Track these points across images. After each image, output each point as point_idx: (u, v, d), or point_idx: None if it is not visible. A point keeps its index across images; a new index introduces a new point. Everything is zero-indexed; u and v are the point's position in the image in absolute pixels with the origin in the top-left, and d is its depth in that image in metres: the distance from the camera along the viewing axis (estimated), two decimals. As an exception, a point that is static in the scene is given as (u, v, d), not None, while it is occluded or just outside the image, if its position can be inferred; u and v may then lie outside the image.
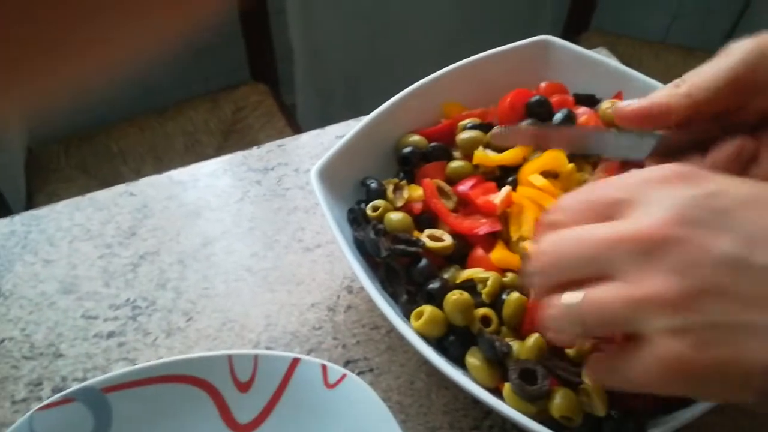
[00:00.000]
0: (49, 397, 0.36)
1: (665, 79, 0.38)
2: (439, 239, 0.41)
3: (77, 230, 0.48)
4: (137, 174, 1.05)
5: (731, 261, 0.23)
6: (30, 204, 0.93)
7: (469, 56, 0.49)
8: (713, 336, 0.23)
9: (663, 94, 0.33)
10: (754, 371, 0.22)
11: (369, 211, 0.42)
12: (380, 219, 0.42)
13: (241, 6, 1.20)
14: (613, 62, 0.51)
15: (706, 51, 0.37)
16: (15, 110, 0.15)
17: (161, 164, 1.09)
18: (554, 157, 0.42)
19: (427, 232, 0.41)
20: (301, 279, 0.46)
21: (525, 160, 0.43)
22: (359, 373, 0.41)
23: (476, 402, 0.40)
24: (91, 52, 0.14)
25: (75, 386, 0.35)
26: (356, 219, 0.42)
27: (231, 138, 1.06)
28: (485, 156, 0.43)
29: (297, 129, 1.18)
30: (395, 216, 0.41)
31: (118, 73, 0.15)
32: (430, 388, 0.41)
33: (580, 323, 0.26)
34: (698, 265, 0.23)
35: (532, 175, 0.42)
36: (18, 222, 0.49)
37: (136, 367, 0.36)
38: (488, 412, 0.40)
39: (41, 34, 0.12)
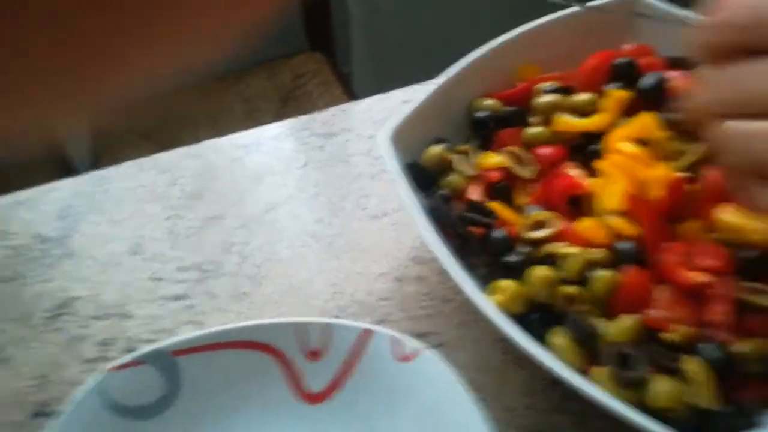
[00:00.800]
0: (118, 358, 0.35)
1: None
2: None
3: (142, 191, 0.48)
4: (196, 140, 1.06)
5: None
6: (95, 167, 0.95)
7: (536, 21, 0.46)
8: None
9: None
10: None
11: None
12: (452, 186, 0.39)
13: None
14: (711, 22, 0.46)
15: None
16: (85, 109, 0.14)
17: (220, 131, 1.09)
18: (645, 123, 0.39)
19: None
20: (367, 247, 0.45)
21: (611, 125, 0.40)
22: (430, 348, 0.39)
23: (556, 383, 0.38)
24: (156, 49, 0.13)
25: (146, 348, 0.34)
26: (421, 179, 0.39)
27: (289, 105, 1.05)
28: (567, 121, 0.40)
29: (353, 97, 1.17)
30: (452, 178, 0.39)
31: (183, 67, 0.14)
32: (507, 366, 0.39)
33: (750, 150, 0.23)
34: None
35: (620, 142, 0.39)
36: (83, 182, 0.48)
37: (207, 331, 0.35)
38: (567, 395, 0.38)
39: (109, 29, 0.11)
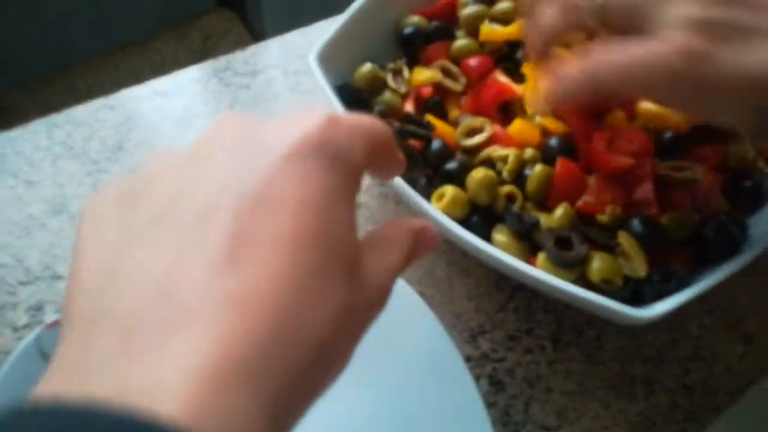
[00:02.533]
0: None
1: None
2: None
3: (58, 148, 0.45)
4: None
5: None
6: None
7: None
8: (728, 33, 0.24)
9: None
10: (757, 79, 0.23)
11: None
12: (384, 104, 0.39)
13: None
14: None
15: None
16: None
17: (132, 101, 1.03)
18: None
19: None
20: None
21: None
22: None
23: (499, 286, 0.39)
24: None
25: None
26: (353, 100, 0.39)
27: (203, 66, 1.02)
28: (492, 31, 0.41)
29: (271, 54, 1.13)
30: (386, 96, 0.39)
31: None
32: (451, 276, 0.40)
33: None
34: None
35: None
36: (-9, 145, 0.45)
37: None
38: (512, 294, 0.39)
39: None
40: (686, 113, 0.34)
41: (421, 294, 0.39)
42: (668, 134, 0.36)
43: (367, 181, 0.43)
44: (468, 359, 0.37)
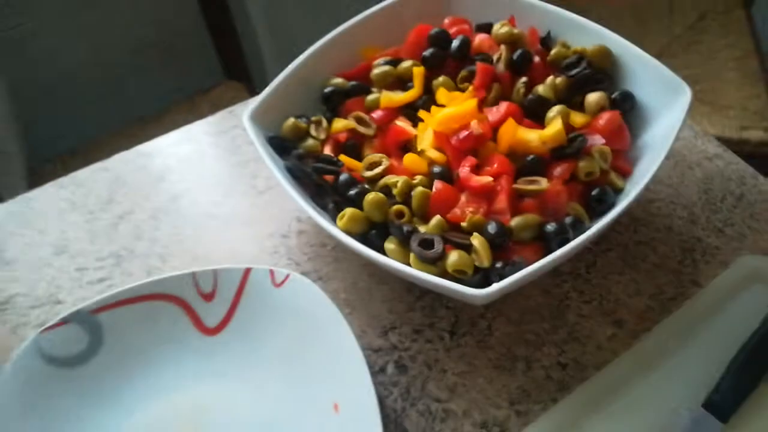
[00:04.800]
0: (50, 327, 0.43)
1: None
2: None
3: (63, 204, 0.56)
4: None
5: None
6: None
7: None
8: None
9: None
10: None
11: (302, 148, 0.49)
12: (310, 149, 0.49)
13: (206, 18, 1.28)
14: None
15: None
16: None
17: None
18: (442, 93, 0.49)
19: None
20: (257, 217, 0.54)
21: (420, 94, 0.50)
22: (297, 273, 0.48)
23: (409, 290, 0.48)
24: None
25: (70, 310, 0.43)
26: (280, 147, 0.49)
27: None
28: (390, 98, 0.50)
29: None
30: (307, 143, 0.48)
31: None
32: (371, 285, 0.48)
33: None
34: None
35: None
36: (13, 204, 0.56)
37: (116, 290, 0.43)
38: (419, 297, 0.47)
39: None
40: None
41: (346, 300, 0.48)
42: (530, 157, 0.45)
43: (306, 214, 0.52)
44: (378, 350, 0.45)
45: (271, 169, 0.46)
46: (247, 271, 0.44)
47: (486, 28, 0.55)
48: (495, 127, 0.46)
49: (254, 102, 0.49)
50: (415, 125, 0.50)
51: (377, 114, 0.50)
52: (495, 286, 0.37)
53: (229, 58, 1.35)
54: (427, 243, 0.40)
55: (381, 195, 0.44)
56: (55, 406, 0.40)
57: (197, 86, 1.27)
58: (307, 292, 0.43)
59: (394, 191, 0.45)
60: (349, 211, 0.44)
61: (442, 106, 0.49)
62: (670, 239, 0.50)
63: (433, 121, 0.46)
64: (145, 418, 0.41)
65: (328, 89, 0.52)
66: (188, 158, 0.59)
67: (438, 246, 0.39)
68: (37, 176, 1.11)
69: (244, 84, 1.35)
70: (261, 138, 0.48)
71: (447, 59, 0.52)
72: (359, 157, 0.50)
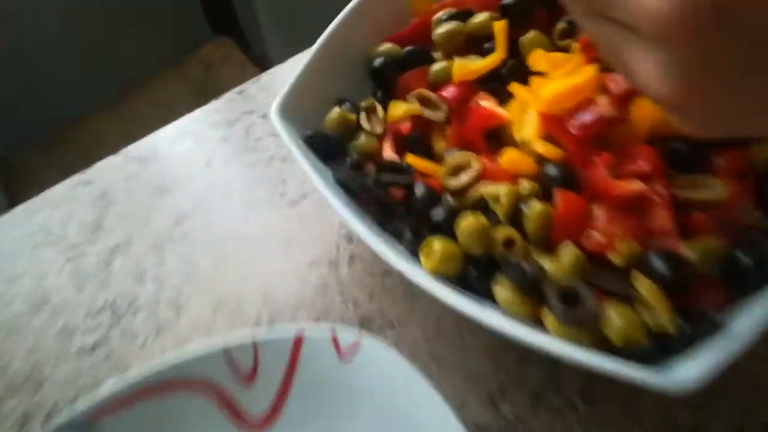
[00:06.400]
0: (35, 432, 0.31)
1: None
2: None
3: (37, 236, 0.43)
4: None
5: None
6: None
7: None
8: None
9: None
10: None
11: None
12: (360, 150, 0.35)
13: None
14: None
15: None
16: None
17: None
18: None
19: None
20: (293, 237, 0.41)
21: (506, 58, 0.36)
22: (379, 331, 0.36)
23: (517, 334, 0.35)
24: None
25: (58, 420, 0.30)
26: (325, 149, 0.35)
27: (202, 97, 0.99)
28: (464, 66, 0.36)
29: (273, 75, 1.10)
30: (360, 141, 0.35)
31: None
32: (461, 329, 0.36)
33: None
34: None
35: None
36: (-29, 242, 0.43)
37: (120, 384, 0.30)
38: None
39: None
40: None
41: (431, 353, 0.35)
42: (677, 143, 0.31)
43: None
44: (487, 428, 0.32)
45: (319, 184, 0.32)
46: (298, 341, 0.31)
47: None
48: (622, 103, 0.32)
49: (283, 91, 0.35)
50: (501, 103, 0.36)
51: (449, 91, 0.36)
52: (703, 369, 0.24)
53: (214, 10, 1.17)
54: (569, 296, 0.27)
55: (482, 218, 0.31)
56: None
57: (182, 46, 1.11)
58: (384, 362, 0.30)
59: (497, 208, 0.31)
60: (438, 245, 0.30)
61: (538, 73, 0.35)
62: None
63: (538, 99, 0.33)
64: None
65: (378, 61, 0.37)
66: (193, 161, 0.45)
67: (589, 302, 0.26)
68: (10, 169, 0.97)
69: (235, 40, 1.19)
70: (297, 139, 0.34)
71: (534, 6, 0.38)
72: (428, 154, 0.36)
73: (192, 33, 1.12)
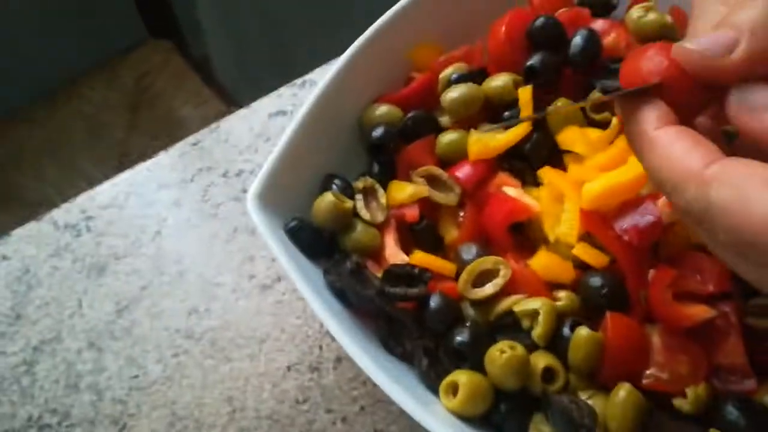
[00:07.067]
0: None
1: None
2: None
3: (-67, 330, 0.34)
4: (38, 180, 0.87)
5: None
6: None
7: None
8: None
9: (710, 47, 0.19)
10: None
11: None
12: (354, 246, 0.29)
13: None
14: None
15: None
16: None
17: (64, 160, 0.90)
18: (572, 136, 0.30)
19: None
20: (265, 333, 0.34)
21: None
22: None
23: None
24: None
25: None
26: (312, 244, 0.29)
27: (141, 111, 0.87)
28: (484, 145, 0.30)
29: (217, 86, 1.01)
30: (357, 234, 0.28)
31: None
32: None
33: None
34: None
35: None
36: None
37: None
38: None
39: None
40: None
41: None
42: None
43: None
44: None
45: (308, 295, 0.26)
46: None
47: (602, 7, 0.35)
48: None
49: (261, 173, 0.28)
50: (524, 183, 0.30)
51: (463, 171, 0.30)
52: None
53: (151, 11, 1.06)
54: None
55: (520, 351, 0.25)
56: None
57: (114, 47, 0.99)
58: None
59: (534, 331, 0.26)
60: (465, 381, 0.25)
61: (567, 152, 0.30)
62: None
63: (582, 193, 0.27)
64: None
65: (377, 132, 0.31)
66: (139, 230, 0.37)
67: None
68: None
69: (174, 43, 1.08)
70: (276, 233, 0.27)
71: (561, 68, 0.32)
72: (435, 244, 0.30)
73: (124, 34, 1.01)
